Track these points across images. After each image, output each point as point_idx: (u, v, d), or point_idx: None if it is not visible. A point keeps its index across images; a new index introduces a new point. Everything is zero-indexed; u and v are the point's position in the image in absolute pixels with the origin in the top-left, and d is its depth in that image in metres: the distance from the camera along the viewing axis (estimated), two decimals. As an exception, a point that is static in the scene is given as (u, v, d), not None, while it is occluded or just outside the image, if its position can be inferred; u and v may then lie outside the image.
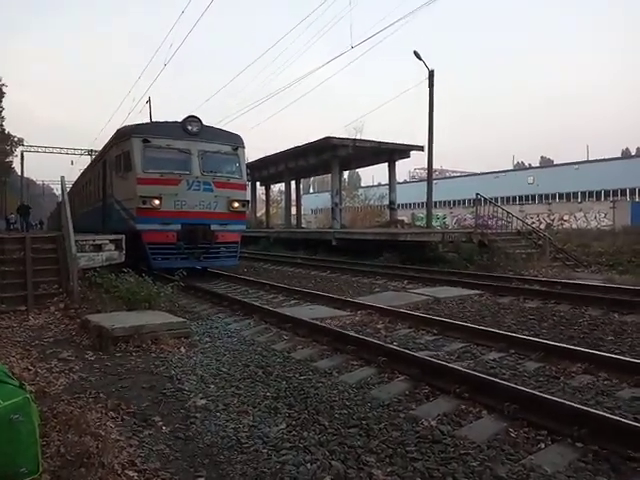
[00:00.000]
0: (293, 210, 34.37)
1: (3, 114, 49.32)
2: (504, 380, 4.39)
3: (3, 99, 46.48)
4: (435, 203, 35.60)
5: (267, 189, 37.07)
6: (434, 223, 30.65)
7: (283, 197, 37.80)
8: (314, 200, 60.95)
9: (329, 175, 27.68)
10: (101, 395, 4.25)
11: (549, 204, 47.65)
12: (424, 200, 25.99)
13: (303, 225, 38.98)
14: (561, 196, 48.44)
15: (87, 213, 18.81)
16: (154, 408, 4.06)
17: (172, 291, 8.13)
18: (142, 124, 13.41)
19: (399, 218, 28.14)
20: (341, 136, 24.87)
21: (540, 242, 16.05)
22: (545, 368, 4.99)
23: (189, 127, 12.43)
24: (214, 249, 12.52)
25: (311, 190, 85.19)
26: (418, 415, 3.86)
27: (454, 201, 55.10)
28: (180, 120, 12.61)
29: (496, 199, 29.27)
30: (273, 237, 24.46)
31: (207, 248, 12.34)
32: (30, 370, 4.82)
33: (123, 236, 10.75)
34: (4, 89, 45.03)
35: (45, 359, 5.35)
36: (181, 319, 6.76)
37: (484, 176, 54.65)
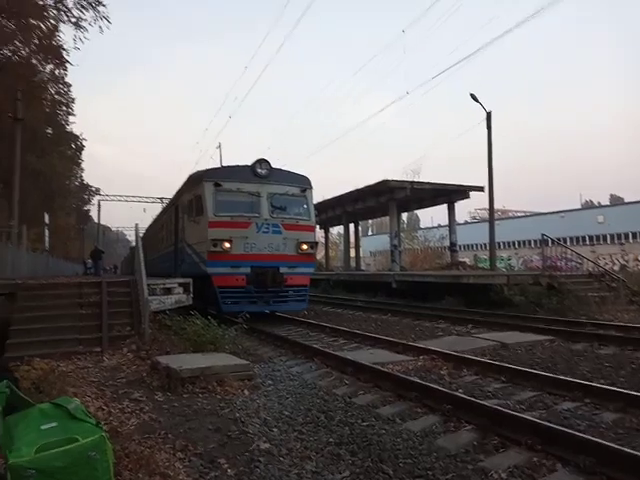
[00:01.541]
0: (352, 252, 34.48)
1: (82, 166, 53.36)
2: (579, 432, 4.13)
3: (83, 152, 50.43)
4: (498, 244, 34.57)
5: (326, 232, 37.54)
6: (498, 264, 29.71)
7: (342, 239, 38.08)
8: (373, 242, 60.92)
9: (387, 217, 27.69)
10: (170, 436, 4.37)
11: (622, 244, 45.05)
12: (486, 241, 25.34)
13: (362, 267, 38.90)
14: (634, 235, 45.68)
15: (159, 257, 19.52)
16: (220, 450, 4.12)
17: (236, 334, 8.30)
18: (213, 169, 13.57)
19: (460, 260, 27.53)
20: (399, 179, 24.97)
21: (614, 284, 15.14)
22: (624, 419, 4.65)
23: (258, 170, 12.60)
24: (283, 292, 12.43)
25: (370, 232, 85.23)
26: (487, 467, 3.69)
27: (519, 242, 53.27)
28: (250, 163, 12.79)
29: (564, 239, 28.05)
30: (333, 280, 24.54)
31: (276, 292, 12.25)
32: (104, 409, 5.04)
33: (191, 280, 11.15)
34: (84, 143, 48.87)
35: (118, 399, 5.57)
36: (245, 361, 6.87)
37: (550, 216, 52.65)
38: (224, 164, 15.11)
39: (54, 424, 2.95)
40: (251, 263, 12.03)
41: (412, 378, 6.12)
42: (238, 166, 12.97)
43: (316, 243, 13.81)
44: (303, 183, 13.35)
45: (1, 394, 3.36)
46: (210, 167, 13.89)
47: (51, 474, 2.70)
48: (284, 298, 12.53)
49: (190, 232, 13.43)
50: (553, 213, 53.75)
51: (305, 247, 12.76)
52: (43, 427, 2.92)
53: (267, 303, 12.21)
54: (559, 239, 18.45)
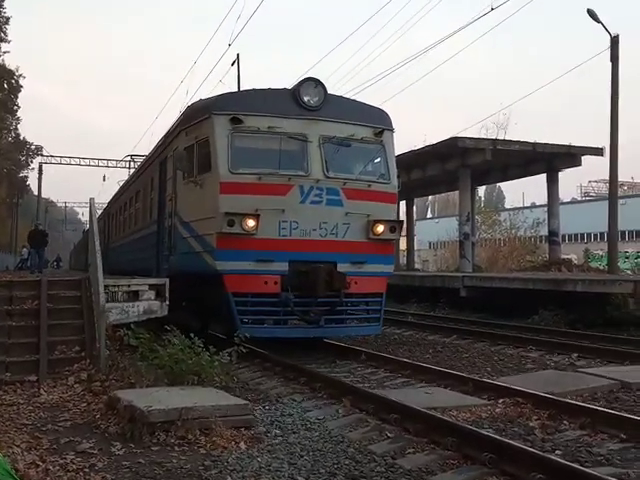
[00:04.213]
0: (402, 243, 34.28)
1: (18, 114, 54.30)
2: None
3: (19, 95, 51.25)
4: (622, 234, 33.93)
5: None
6: (621, 265, 29.17)
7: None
8: (433, 228, 60.55)
9: (456, 193, 27.46)
10: (130, 507, 4.42)
11: None
12: (604, 229, 24.91)
13: (417, 265, 38.74)
14: None
15: (130, 244, 18.88)
16: (201, 531, 4.14)
17: (230, 359, 8.34)
18: (229, 94, 12.65)
19: (564, 257, 27.19)
20: (474, 136, 24.76)
21: None
22: None
23: (305, 97, 11.26)
24: (343, 305, 11.34)
25: (429, 214, 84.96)
26: None
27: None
28: (290, 87, 11.66)
29: None
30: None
31: (331, 304, 11.09)
32: (39, 466, 5.10)
33: (167, 280, 11.20)
34: (21, 81, 49.68)
35: (59, 451, 5.64)
36: (242, 401, 6.89)
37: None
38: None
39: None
40: (290, 255, 10.80)
41: (486, 432, 6.06)
42: (270, 90, 11.78)
43: (400, 223, 12.77)
44: (378, 120, 12.06)
45: None
46: (223, 92, 12.84)
47: None
48: (344, 315, 11.61)
49: (187, 201, 12.05)
50: None
51: (381, 229, 11.45)
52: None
53: (315, 323, 11.02)
54: None
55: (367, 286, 11.41)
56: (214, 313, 11.41)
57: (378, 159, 12.16)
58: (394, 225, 11.82)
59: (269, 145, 11.18)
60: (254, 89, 12.07)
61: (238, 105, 11.30)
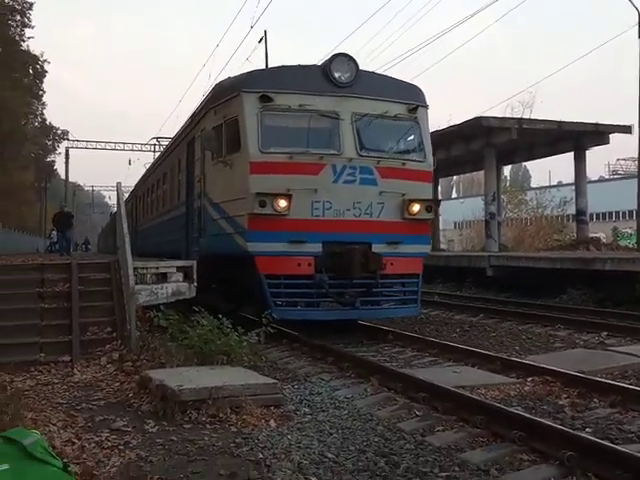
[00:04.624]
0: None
1: (44, 99, 54.69)
2: None
3: (44, 80, 51.57)
4: (651, 212, 33.37)
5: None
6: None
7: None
8: (458, 208, 60.19)
9: (481, 172, 27.21)
10: (165, 483, 4.49)
11: None
12: (633, 207, 24.58)
13: (442, 245, 38.52)
14: None
15: (158, 227, 18.78)
16: (234, 506, 4.20)
17: (258, 339, 8.41)
18: (258, 71, 12.34)
19: (592, 235, 26.87)
20: (499, 115, 24.48)
21: None
22: None
23: (336, 74, 10.98)
24: (379, 287, 11.10)
25: (454, 194, 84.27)
26: None
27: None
28: (321, 63, 11.43)
29: None
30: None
31: (367, 285, 10.89)
32: (74, 444, 5.21)
33: (194, 262, 11.31)
34: (46, 67, 49.96)
35: (94, 429, 5.74)
36: (271, 380, 6.96)
37: None
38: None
39: (4, 466, 3.03)
40: (324, 236, 10.61)
41: (515, 410, 6.06)
42: (300, 67, 11.59)
43: (437, 202, 12.61)
44: (412, 96, 11.77)
45: None
46: (252, 69, 12.56)
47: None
48: (379, 297, 11.38)
49: (216, 182, 11.95)
50: None
51: (417, 208, 11.19)
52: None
53: (351, 305, 10.82)
54: None
55: (403, 267, 11.20)
56: (246, 295, 11.22)
57: (412, 136, 11.88)
58: (430, 204, 11.55)
59: (300, 123, 10.95)
60: (284, 66, 11.74)
61: (268, 82, 11.04)
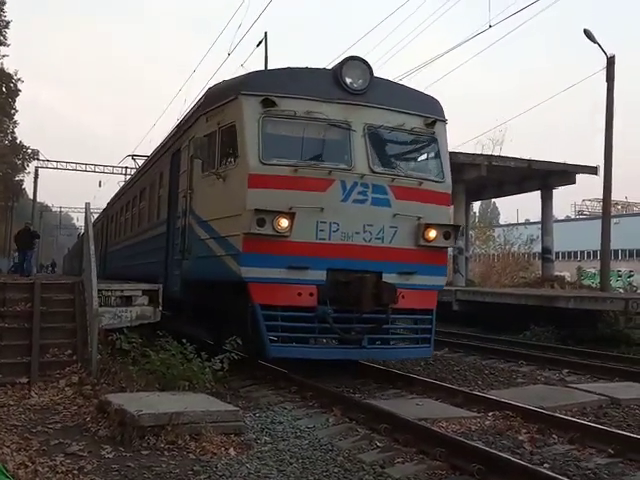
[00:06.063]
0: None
1: (16, 117, 54.29)
2: None
3: (17, 99, 51.20)
4: (615, 252, 34.07)
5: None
6: (613, 283, 29.25)
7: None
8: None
9: (450, 208, 27.51)
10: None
11: None
12: (596, 247, 25.01)
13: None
14: None
15: (132, 248, 17.36)
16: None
17: (222, 366, 8.33)
18: (260, 72, 11.44)
19: (557, 274, 27.22)
20: (470, 152, 24.84)
21: None
22: None
23: (348, 79, 9.83)
24: (389, 323, 9.93)
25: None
26: None
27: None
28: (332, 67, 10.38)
29: None
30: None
31: (378, 320, 9.63)
32: (28, 467, 5.12)
33: (160, 286, 11.13)
34: (19, 85, 49.62)
35: (48, 453, 5.64)
36: (232, 407, 6.92)
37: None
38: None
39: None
40: (329, 262, 9.36)
41: (475, 443, 6.09)
42: (307, 69, 10.42)
43: (456, 228, 11.21)
44: (430, 109, 10.61)
45: None
46: (254, 70, 11.56)
47: None
48: (389, 334, 10.26)
49: (206, 197, 10.56)
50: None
51: (434, 234, 9.91)
52: None
53: (357, 343, 9.60)
54: None
55: (416, 301, 9.88)
56: (235, 328, 9.80)
57: (430, 153, 10.84)
58: (448, 230, 10.20)
59: (307, 133, 9.78)
60: (289, 67, 10.47)
61: (271, 85, 9.78)
